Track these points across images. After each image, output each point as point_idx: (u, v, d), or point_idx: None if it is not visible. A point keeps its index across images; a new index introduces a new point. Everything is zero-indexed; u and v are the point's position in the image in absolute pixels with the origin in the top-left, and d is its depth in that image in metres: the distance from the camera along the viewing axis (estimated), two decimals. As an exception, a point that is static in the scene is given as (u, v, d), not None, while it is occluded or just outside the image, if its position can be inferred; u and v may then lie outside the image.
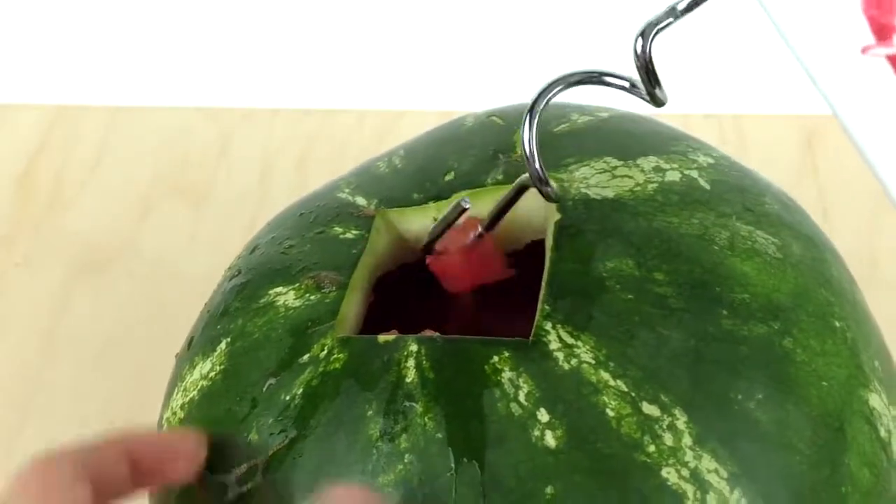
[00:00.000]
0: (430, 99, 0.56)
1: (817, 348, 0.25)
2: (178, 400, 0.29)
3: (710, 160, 0.29)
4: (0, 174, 0.55)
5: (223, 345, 0.28)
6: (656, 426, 0.23)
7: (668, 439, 0.23)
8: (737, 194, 0.28)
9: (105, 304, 0.49)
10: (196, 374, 0.28)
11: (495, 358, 0.24)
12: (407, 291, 0.34)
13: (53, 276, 0.50)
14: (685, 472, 0.23)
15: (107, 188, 0.54)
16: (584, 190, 0.28)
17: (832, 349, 0.26)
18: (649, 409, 0.23)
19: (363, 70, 0.58)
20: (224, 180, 0.53)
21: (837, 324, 0.26)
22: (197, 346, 0.29)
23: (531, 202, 0.29)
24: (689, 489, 0.23)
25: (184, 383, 0.29)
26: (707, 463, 0.23)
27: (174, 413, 0.29)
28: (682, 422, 0.23)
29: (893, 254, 0.49)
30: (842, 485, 0.24)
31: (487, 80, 0.57)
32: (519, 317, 0.38)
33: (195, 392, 0.28)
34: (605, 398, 0.23)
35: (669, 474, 0.23)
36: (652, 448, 0.23)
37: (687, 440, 0.23)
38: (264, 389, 0.26)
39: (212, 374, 0.28)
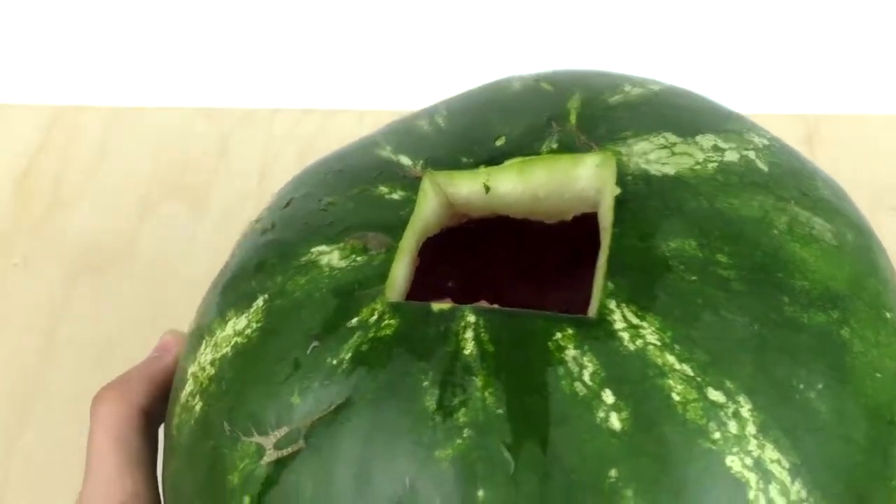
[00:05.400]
0: (430, 99, 0.56)
1: (872, 339, 0.25)
2: (208, 355, 0.27)
3: (765, 141, 0.29)
4: (0, 174, 0.55)
5: (260, 301, 0.27)
6: (721, 413, 0.23)
7: (733, 427, 0.22)
8: (792, 178, 0.28)
9: (105, 305, 0.49)
10: (229, 329, 0.27)
11: (558, 335, 0.23)
12: (444, 255, 0.33)
13: (53, 277, 0.50)
14: (749, 461, 0.22)
15: (106, 188, 0.53)
16: (643, 165, 0.27)
17: (885, 340, 0.25)
18: (714, 395, 0.23)
19: (363, 70, 0.58)
20: (224, 180, 0.53)
21: (888, 315, 0.26)
22: (229, 298, 0.28)
23: (585, 172, 0.28)
24: (752, 478, 0.22)
25: (214, 338, 0.27)
26: (770, 452, 0.23)
27: (202, 368, 0.27)
28: (746, 409, 0.23)
29: (893, 253, 0.49)
30: (893, 478, 0.24)
31: (486, 80, 0.57)
32: (553, 290, 0.37)
33: (228, 348, 0.27)
34: (671, 382, 0.23)
35: (733, 462, 0.22)
36: (717, 435, 0.22)
37: (751, 429, 0.23)
38: (308, 352, 0.25)
39: (248, 331, 0.26)
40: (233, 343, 0.27)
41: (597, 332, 0.23)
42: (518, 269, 0.37)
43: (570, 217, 0.29)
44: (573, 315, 0.24)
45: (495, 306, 0.25)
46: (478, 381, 0.23)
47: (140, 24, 0.60)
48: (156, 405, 0.31)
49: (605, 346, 0.23)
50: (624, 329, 0.23)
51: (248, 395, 0.25)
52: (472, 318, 0.24)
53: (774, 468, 0.22)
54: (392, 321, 0.25)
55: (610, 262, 0.25)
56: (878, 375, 0.25)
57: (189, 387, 0.28)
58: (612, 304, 0.24)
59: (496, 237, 0.33)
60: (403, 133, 0.30)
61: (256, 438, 0.25)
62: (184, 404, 0.28)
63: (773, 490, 0.22)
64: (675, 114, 0.29)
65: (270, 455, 0.24)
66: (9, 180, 0.54)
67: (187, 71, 0.58)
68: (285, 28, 0.59)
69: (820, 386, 0.24)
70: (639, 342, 0.23)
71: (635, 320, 0.24)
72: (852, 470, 0.23)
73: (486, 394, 0.23)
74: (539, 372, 0.23)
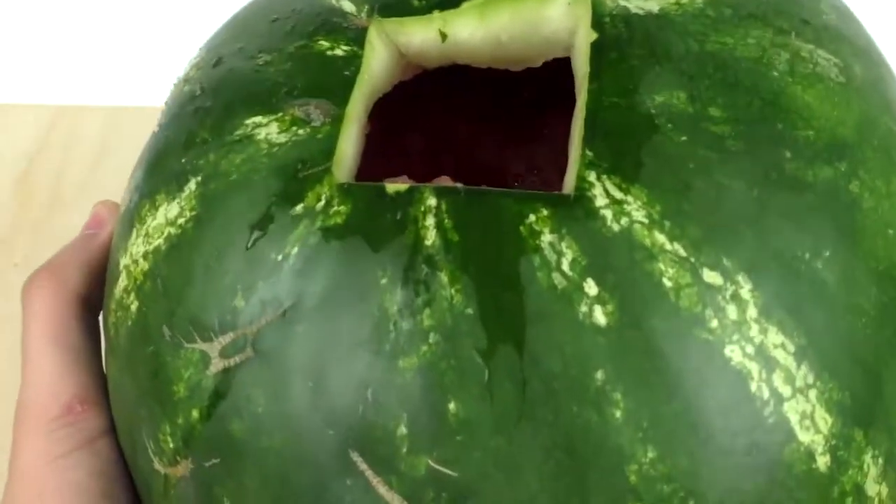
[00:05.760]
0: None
1: (883, 190, 0.22)
2: (140, 246, 0.24)
3: None
4: (0, 175, 0.54)
5: (192, 185, 0.24)
6: (719, 297, 0.20)
7: (732, 312, 0.20)
8: (793, 3, 0.24)
9: (105, 305, 0.48)
10: (160, 217, 0.24)
11: (532, 217, 0.20)
12: (401, 112, 0.29)
13: (53, 277, 0.49)
14: (750, 349, 0.20)
15: (106, 188, 0.53)
16: (622, 2, 0.23)
17: None
18: (711, 276, 0.20)
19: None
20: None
21: None
22: (158, 178, 0.25)
23: (556, 11, 0.24)
24: (753, 368, 0.20)
25: (145, 226, 0.24)
26: (773, 337, 0.20)
27: (135, 261, 0.24)
28: (746, 290, 0.20)
29: None
30: None
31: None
32: (525, 144, 0.33)
33: (161, 240, 0.24)
34: (662, 265, 0.20)
35: (733, 352, 0.20)
36: (714, 323, 0.20)
37: (752, 312, 0.20)
38: (249, 245, 0.22)
39: (181, 220, 0.23)
40: (166, 234, 0.24)
41: (575, 212, 0.20)
42: (481, 115, 0.33)
43: (539, 63, 0.25)
44: (548, 193, 0.21)
45: (458, 185, 0.22)
46: (443, 277, 0.20)
47: (140, 25, 0.60)
48: (95, 290, 0.28)
49: (586, 228, 0.20)
50: (606, 206, 0.20)
51: (187, 297, 0.22)
52: (432, 202, 0.21)
53: (778, 354, 0.20)
54: (342, 207, 0.22)
55: (587, 124, 0.21)
56: (890, 231, 0.22)
57: (122, 281, 0.25)
58: (592, 177, 0.21)
59: (455, 83, 0.30)
60: None
61: (200, 345, 0.22)
62: (119, 301, 0.25)
63: (777, 379, 0.20)
64: None
65: (216, 364, 0.22)
66: (9, 180, 0.53)
67: (188, 71, 0.58)
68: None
69: (827, 253, 0.21)
70: (623, 220, 0.20)
71: (619, 194, 0.21)
72: (862, 343, 0.21)
73: (453, 291, 0.20)
74: (512, 262, 0.20)
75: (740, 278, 0.20)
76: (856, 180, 0.22)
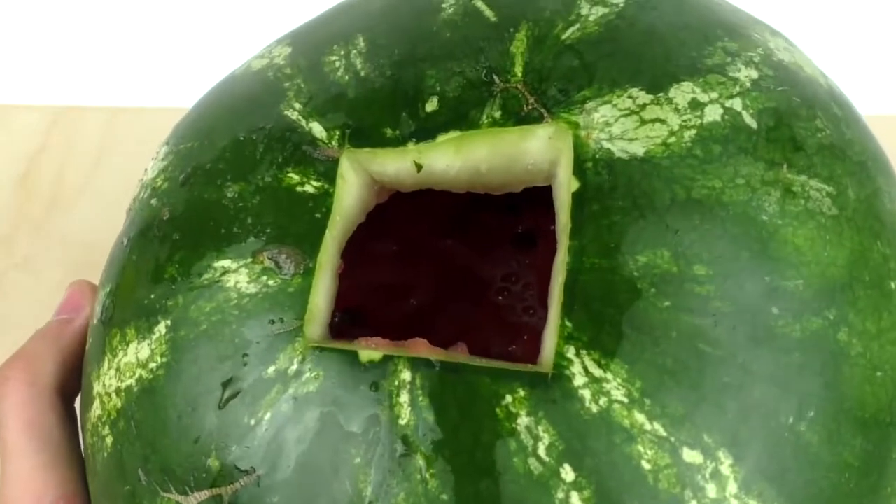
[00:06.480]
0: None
1: (873, 330, 0.22)
2: (112, 381, 0.24)
3: (754, 74, 0.23)
4: (0, 175, 0.55)
5: (162, 328, 0.23)
6: (698, 476, 0.20)
7: (712, 490, 0.20)
8: (786, 128, 0.23)
9: (105, 305, 0.49)
10: (131, 354, 0.23)
11: (508, 398, 0.20)
12: (370, 234, 0.28)
13: (53, 277, 0.50)
14: None
15: (107, 188, 0.53)
16: (606, 144, 0.22)
17: (887, 324, 0.22)
18: (691, 456, 0.20)
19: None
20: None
21: (893, 285, 0.23)
22: (126, 308, 0.24)
23: (535, 144, 0.23)
24: None
25: (116, 359, 0.24)
26: None
27: (108, 394, 0.24)
28: (726, 466, 0.20)
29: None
30: (888, 485, 0.22)
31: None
32: (496, 252, 0.33)
33: (132, 380, 0.23)
34: (641, 447, 0.20)
35: None
36: None
37: (732, 488, 0.20)
38: (221, 404, 0.22)
39: (152, 365, 0.23)
40: (137, 376, 0.23)
41: (553, 394, 0.20)
42: (451, 220, 0.33)
43: (519, 189, 0.24)
44: (525, 368, 0.20)
45: (432, 356, 0.21)
46: (418, 460, 0.20)
47: (140, 25, 0.60)
48: (70, 381, 0.27)
49: (563, 411, 0.20)
50: (584, 385, 0.20)
51: (161, 446, 0.22)
52: (406, 376, 0.21)
53: None
54: (314, 373, 0.21)
55: (567, 288, 0.21)
56: (879, 374, 0.21)
57: (97, 410, 0.25)
58: (571, 353, 0.20)
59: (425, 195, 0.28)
60: (314, 78, 0.25)
61: (175, 496, 0.22)
62: (94, 426, 0.25)
63: None
64: (645, 51, 0.23)
65: None
66: (9, 180, 0.54)
67: (187, 71, 0.58)
68: (283, 29, 0.59)
69: (812, 413, 0.20)
70: (602, 401, 0.20)
71: (598, 372, 0.20)
72: (845, 498, 0.21)
73: (428, 476, 0.20)
74: (488, 447, 0.20)
75: (721, 454, 0.20)
76: (844, 328, 0.21)
